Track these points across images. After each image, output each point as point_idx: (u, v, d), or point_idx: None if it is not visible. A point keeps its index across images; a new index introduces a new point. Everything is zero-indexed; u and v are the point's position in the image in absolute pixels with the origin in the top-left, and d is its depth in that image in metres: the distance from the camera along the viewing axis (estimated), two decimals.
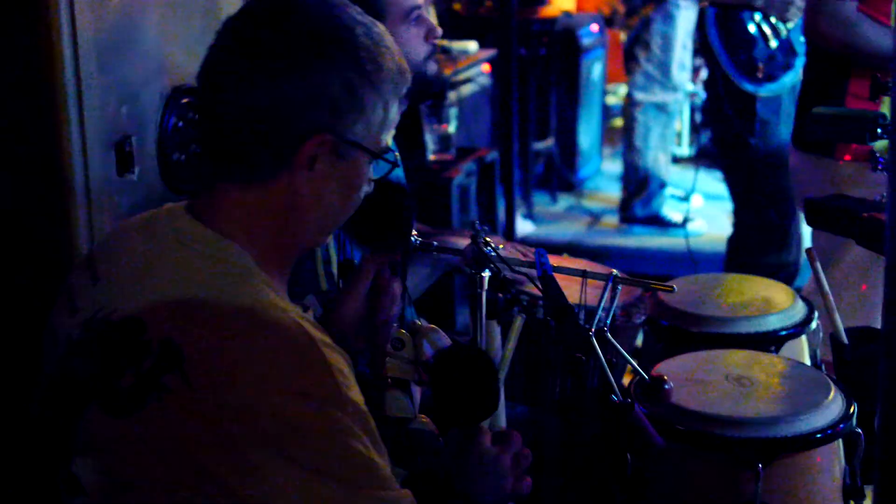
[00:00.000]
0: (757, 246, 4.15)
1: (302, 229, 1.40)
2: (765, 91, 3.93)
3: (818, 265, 2.23)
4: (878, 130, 1.99)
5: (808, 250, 2.33)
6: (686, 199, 5.83)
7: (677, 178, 6.10)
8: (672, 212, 5.73)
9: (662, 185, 5.74)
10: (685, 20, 5.45)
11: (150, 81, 2.16)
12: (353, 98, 1.35)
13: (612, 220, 5.81)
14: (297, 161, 1.34)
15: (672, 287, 1.98)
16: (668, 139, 5.84)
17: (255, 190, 1.36)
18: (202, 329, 1.27)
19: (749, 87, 3.93)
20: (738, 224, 4.31)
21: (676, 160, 6.39)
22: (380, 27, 1.42)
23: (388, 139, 1.47)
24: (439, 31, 2.21)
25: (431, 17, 4.59)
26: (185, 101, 2.25)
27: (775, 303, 2.42)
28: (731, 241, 4.36)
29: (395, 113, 1.44)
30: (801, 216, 3.99)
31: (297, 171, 1.35)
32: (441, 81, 2.30)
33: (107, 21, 2.01)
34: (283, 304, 1.32)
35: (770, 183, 4.04)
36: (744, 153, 4.07)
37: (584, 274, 1.79)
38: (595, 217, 5.93)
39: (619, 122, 6.33)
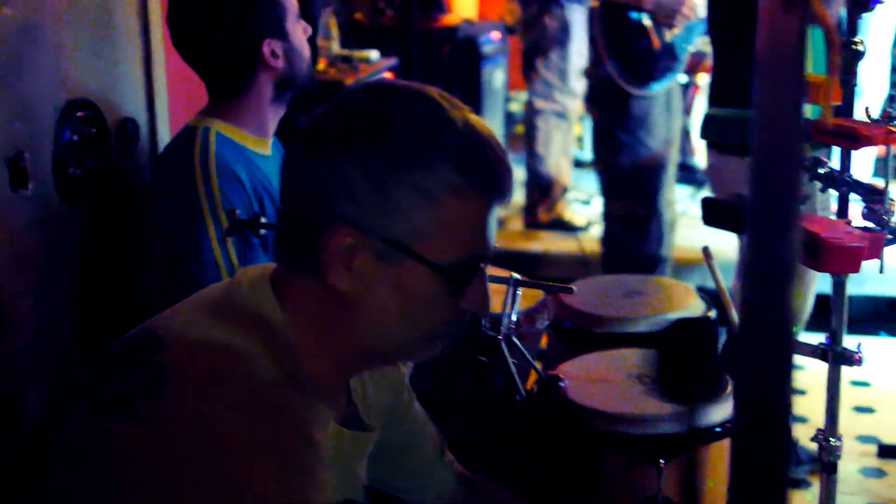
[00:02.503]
0: (622, 238, 4.26)
1: (355, 333, 1.32)
2: (642, 90, 4.00)
3: (713, 262, 2.28)
4: None
5: (705, 249, 2.38)
6: (588, 202, 5.91)
7: (580, 181, 6.18)
8: (575, 216, 5.81)
9: (565, 189, 5.82)
10: (581, 27, 5.53)
11: (44, 95, 2.13)
12: (379, 192, 1.25)
13: (516, 225, 5.86)
14: (325, 253, 1.27)
15: (571, 288, 2.02)
16: (570, 144, 5.91)
17: (306, 279, 1.31)
18: (192, 376, 1.26)
19: (627, 84, 4.00)
20: (606, 216, 4.40)
21: (578, 164, 6.46)
22: (459, 124, 1.29)
23: (474, 253, 1.31)
24: (310, 28, 2.26)
25: (331, 29, 4.60)
26: (80, 114, 2.23)
27: (675, 301, 2.48)
28: (603, 234, 4.47)
29: (473, 218, 1.29)
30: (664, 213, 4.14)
31: (333, 266, 1.27)
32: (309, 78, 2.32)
33: None
34: (294, 400, 1.28)
35: (635, 179, 4.14)
36: (613, 149, 4.15)
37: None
38: (500, 223, 5.98)
39: (521, 128, 6.38)
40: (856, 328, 3.16)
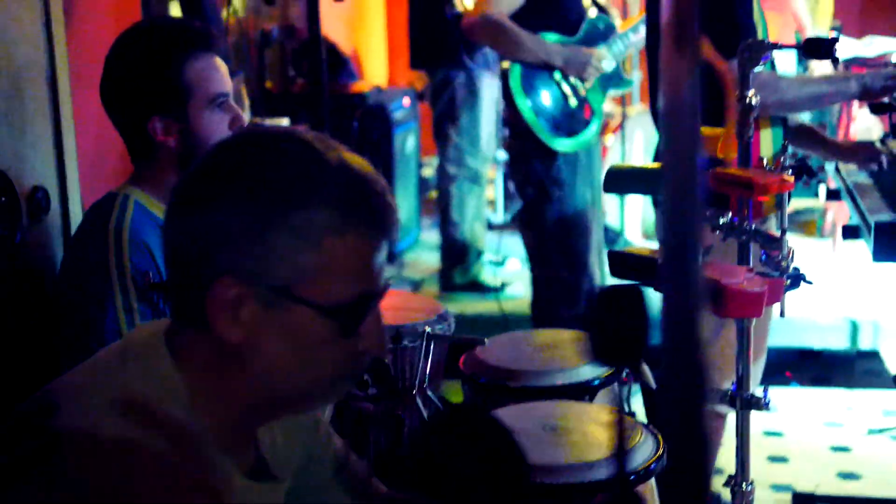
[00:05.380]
0: (552, 302, 4.28)
1: (253, 384, 1.29)
2: (564, 146, 4.06)
3: None
4: None
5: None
6: (501, 263, 5.99)
7: (493, 243, 6.26)
8: (490, 277, 5.87)
9: (480, 252, 5.88)
10: (489, 90, 5.63)
11: None
12: (258, 240, 1.23)
13: (433, 288, 5.90)
14: (212, 306, 1.25)
15: (483, 340, 2.05)
16: (483, 208, 5.99)
17: (198, 333, 1.29)
18: (84, 440, 1.24)
19: (550, 141, 4.06)
20: (534, 281, 4.43)
21: (492, 227, 6.54)
22: (334, 163, 1.27)
23: (362, 292, 1.29)
24: (244, 119, 2.25)
25: (243, 97, 4.62)
26: None
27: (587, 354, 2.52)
28: (532, 298, 4.49)
29: (357, 255, 1.27)
30: (594, 275, 4.18)
31: (220, 318, 1.25)
32: None
33: None
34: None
35: (563, 240, 4.19)
36: (540, 210, 4.19)
37: (397, 332, 1.84)
38: (416, 286, 6.01)
39: (434, 194, 6.45)
40: (767, 379, 3.24)
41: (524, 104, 4.01)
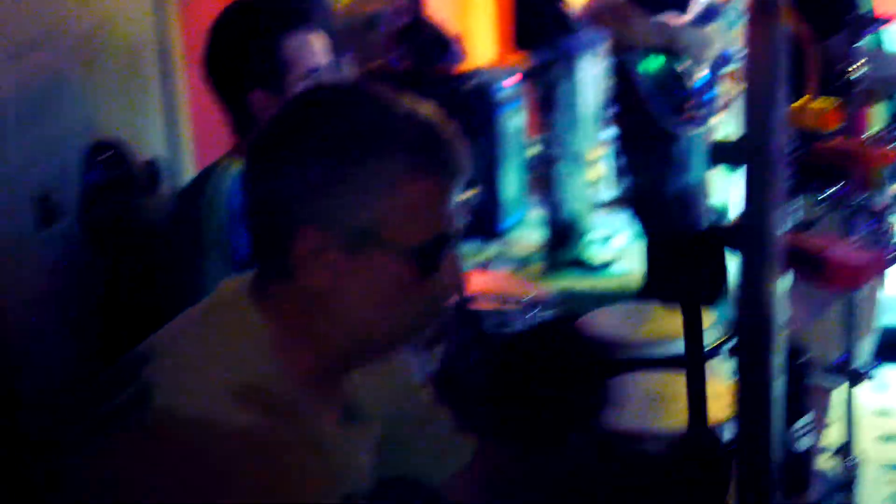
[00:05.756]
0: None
1: (339, 329, 1.34)
2: (684, 132, 4.04)
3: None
4: None
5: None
6: (607, 241, 5.97)
7: (602, 221, 6.24)
8: (596, 254, 5.85)
9: (584, 231, 5.87)
10: (591, 71, 5.60)
11: (72, 137, 2.21)
12: (337, 189, 1.28)
13: (538, 266, 5.90)
14: (296, 256, 1.29)
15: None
16: (587, 187, 5.97)
17: (283, 286, 1.33)
18: (176, 386, 1.29)
19: (670, 127, 4.03)
20: (650, 259, 4.40)
21: (599, 205, 6.51)
22: (403, 111, 1.31)
23: (439, 233, 1.31)
24: None
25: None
26: (105, 156, 2.30)
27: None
28: (646, 277, 4.46)
29: (430, 198, 1.30)
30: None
31: (305, 267, 1.29)
32: None
33: (27, 78, 2.06)
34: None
35: (674, 219, 4.16)
36: (651, 190, 4.17)
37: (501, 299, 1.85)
38: (521, 264, 6.02)
39: (539, 173, 6.45)
40: (879, 358, 3.17)
41: (642, 84, 4.00)
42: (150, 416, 1.26)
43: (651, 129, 4.06)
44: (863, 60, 2.12)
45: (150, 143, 2.51)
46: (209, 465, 1.22)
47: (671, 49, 3.98)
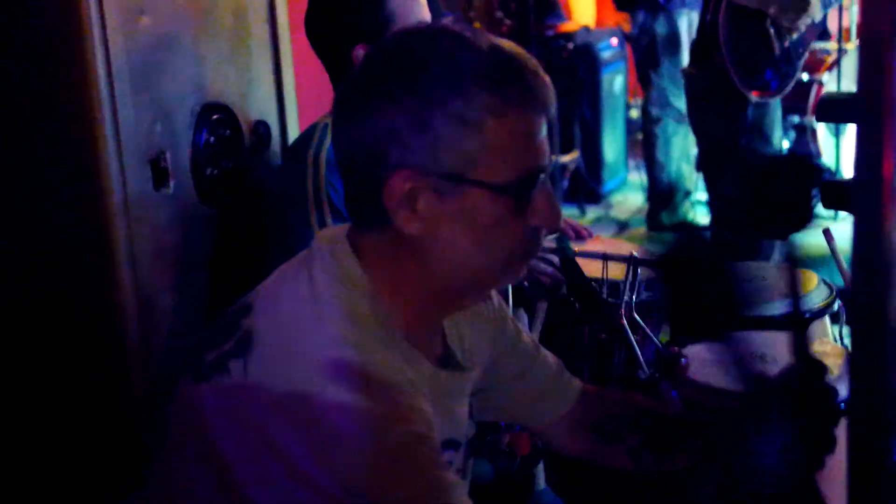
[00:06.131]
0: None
1: (436, 273, 1.35)
2: (761, 97, 3.97)
3: (834, 243, 2.29)
4: None
5: (826, 230, 2.38)
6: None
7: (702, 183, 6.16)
8: (699, 216, 5.79)
9: (688, 192, 5.80)
10: (689, 28, 5.52)
11: (182, 99, 2.25)
12: (424, 131, 1.28)
13: (640, 229, 5.86)
14: (389, 202, 1.31)
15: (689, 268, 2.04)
16: (690, 148, 5.90)
17: (378, 234, 1.36)
18: (276, 331, 1.32)
19: (747, 90, 3.97)
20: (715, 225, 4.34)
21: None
22: (485, 48, 1.31)
23: (529, 168, 1.32)
24: None
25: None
26: (215, 117, 2.35)
27: (807, 285, 2.48)
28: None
29: (518, 133, 1.31)
30: None
31: (399, 212, 1.31)
32: None
33: (138, 43, 2.10)
34: (378, 354, 1.29)
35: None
36: (731, 155, 4.11)
37: (604, 257, 1.86)
38: (623, 226, 5.99)
39: (641, 135, 6.40)
40: None
41: (727, 48, 3.93)
42: (250, 366, 1.29)
43: (727, 91, 4.01)
44: None
45: (258, 104, 2.54)
46: (309, 417, 1.23)
47: (762, 13, 3.91)
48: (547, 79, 1.34)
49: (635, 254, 1.87)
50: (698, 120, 4.29)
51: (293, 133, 2.67)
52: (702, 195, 6.03)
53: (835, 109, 2.14)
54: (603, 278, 1.90)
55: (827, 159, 6.07)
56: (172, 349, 2.20)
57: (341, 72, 2.30)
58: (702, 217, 5.77)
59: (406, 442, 1.24)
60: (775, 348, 2.12)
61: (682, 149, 5.77)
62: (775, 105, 4.07)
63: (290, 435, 1.22)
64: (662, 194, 5.76)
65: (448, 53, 1.31)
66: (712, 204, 4.44)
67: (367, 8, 2.26)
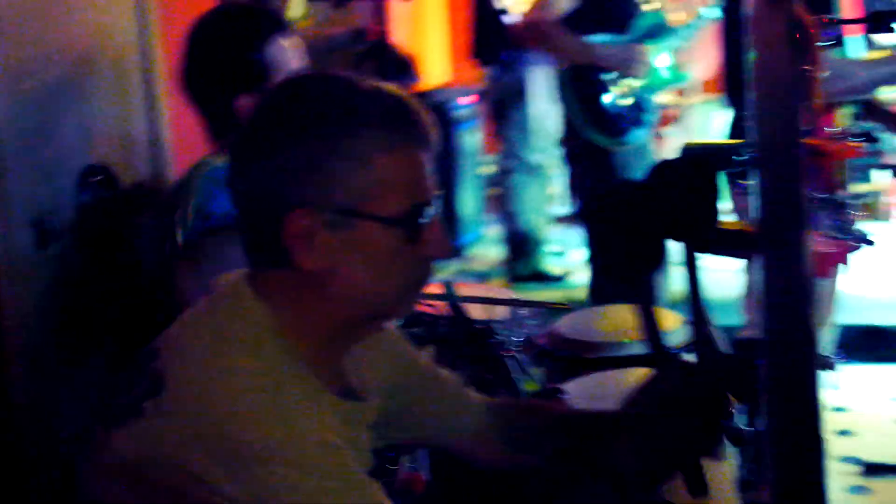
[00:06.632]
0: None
1: (336, 306, 1.42)
2: (617, 145, 4.17)
3: None
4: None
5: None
6: (563, 254, 6.12)
7: (560, 235, 6.37)
8: (553, 267, 5.99)
9: (541, 243, 6.00)
10: (544, 83, 5.72)
11: (66, 161, 2.28)
12: (318, 170, 1.36)
13: (500, 280, 6.01)
14: (288, 240, 1.37)
15: (567, 305, 2.18)
16: (542, 199, 6.10)
17: (278, 272, 1.41)
18: (186, 372, 1.38)
19: (601, 141, 4.15)
20: (593, 272, 4.49)
21: (557, 219, 6.63)
22: (372, 91, 1.41)
23: (418, 201, 1.40)
24: None
25: None
26: (97, 178, 2.38)
27: (668, 324, 2.63)
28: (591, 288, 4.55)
29: (406, 168, 1.39)
30: None
31: (297, 249, 1.37)
32: None
33: (24, 106, 2.13)
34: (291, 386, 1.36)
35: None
36: (598, 208, 4.26)
37: (487, 301, 1.97)
38: (482, 278, 6.13)
39: (495, 189, 6.58)
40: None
41: (574, 105, 4.11)
42: (164, 404, 1.35)
43: (584, 145, 4.16)
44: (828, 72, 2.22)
45: (137, 163, 2.59)
46: (224, 441, 1.29)
47: (596, 66, 4.11)
48: (428, 117, 1.44)
49: (515, 297, 1.99)
50: (572, 174, 4.45)
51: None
52: (556, 247, 6.23)
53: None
54: (488, 320, 2.02)
55: None
56: (60, 407, 2.21)
57: (224, 124, 2.35)
58: (556, 268, 5.96)
59: (326, 454, 1.32)
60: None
61: (535, 200, 5.97)
62: (636, 150, 4.24)
63: (207, 462, 1.28)
64: (518, 244, 5.94)
65: (338, 96, 1.40)
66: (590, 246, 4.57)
67: (245, 60, 2.32)
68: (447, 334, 2.13)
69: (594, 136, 4.11)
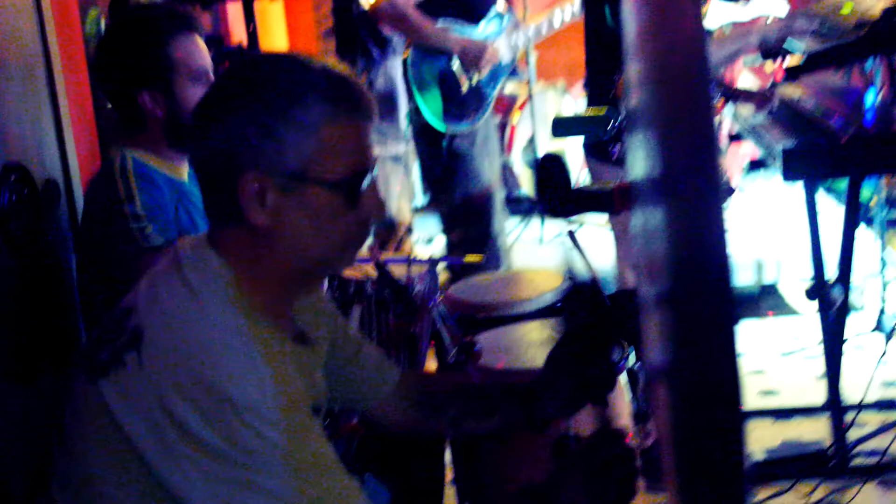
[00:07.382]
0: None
1: (284, 258, 1.57)
2: (453, 128, 4.40)
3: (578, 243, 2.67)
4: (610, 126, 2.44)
5: (570, 233, 2.76)
6: (431, 241, 6.34)
7: (420, 224, 6.58)
8: (421, 253, 6.20)
9: (409, 229, 6.19)
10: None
11: None
12: (269, 136, 1.51)
13: (368, 266, 6.17)
14: (242, 200, 1.53)
15: (482, 257, 2.38)
16: (409, 187, 6.29)
17: (234, 229, 1.57)
18: (163, 324, 1.52)
19: (438, 124, 4.40)
20: (448, 248, 4.76)
21: (417, 210, 6.83)
22: (319, 67, 1.57)
23: (359, 167, 1.57)
24: None
25: None
26: (13, 177, 2.46)
27: (549, 284, 2.87)
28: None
29: (349, 137, 1.56)
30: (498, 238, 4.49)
31: (250, 208, 1.53)
32: None
33: None
34: (248, 323, 1.51)
35: (468, 211, 4.54)
36: (442, 186, 4.54)
37: (409, 261, 2.16)
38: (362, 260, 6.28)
39: None
40: None
41: (417, 88, 4.34)
42: (143, 356, 1.49)
43: (428, 129, 4.44)
44: None
45: (48, 161, 2.66)
46: (202, 391, 1.44)
47: (448, 53, 4.35)
48: (370, 94, 1.63)
49: (434, 257, 2.19)
50: (421, 159, 4.67)
51: (77, 189, 2.79)
52: (424, 234, 6.44)
53: (567, 127, 2.50)
54: (410, 279, 2.22)
55: (526, 190, 6.66)
56: None
57: (130, 115, 2.50)
58: (422, 254, 6.17)
59: (290, 410, 1.48)
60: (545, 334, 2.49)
61: (401, 186, 6.15)
62: (481, 133, 4.48)
63: (183, 405, 1.44)
64: (386, 230, 6.13)
65: (289, 71, 1.57)
66: (445, 232, 4.79)
67: (149, 56, 2.46)
68: (375, 293, 2.32)
69: (432, 118, 4.34)
